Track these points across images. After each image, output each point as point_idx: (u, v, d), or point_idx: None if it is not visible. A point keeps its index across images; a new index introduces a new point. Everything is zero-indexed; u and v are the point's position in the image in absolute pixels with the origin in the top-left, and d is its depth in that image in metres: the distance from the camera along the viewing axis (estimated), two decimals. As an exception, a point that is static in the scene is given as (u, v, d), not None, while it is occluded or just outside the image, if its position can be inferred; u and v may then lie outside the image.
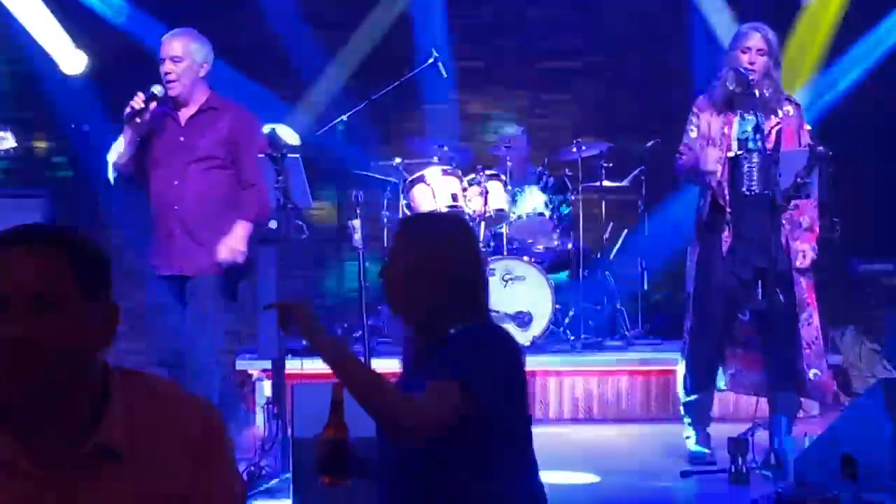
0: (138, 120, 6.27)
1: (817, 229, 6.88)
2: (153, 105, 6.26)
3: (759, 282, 6.60)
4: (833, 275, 9.90)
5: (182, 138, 6.43)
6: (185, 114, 6.47)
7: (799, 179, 6.51)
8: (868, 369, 9.51)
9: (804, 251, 6.77)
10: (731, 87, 6.69)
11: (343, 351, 3.19)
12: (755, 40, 6.73)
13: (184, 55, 6.40)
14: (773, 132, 6.72)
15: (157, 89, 6.27)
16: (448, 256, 3.34)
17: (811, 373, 6.80)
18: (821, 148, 6.62)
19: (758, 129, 6.63)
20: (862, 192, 10.10)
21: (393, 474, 3.28)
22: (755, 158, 6.60)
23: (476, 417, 3.11)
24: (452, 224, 3.53)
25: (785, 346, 6.71)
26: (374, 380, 3.15)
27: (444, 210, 8.61)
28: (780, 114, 6.76)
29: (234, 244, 6.34)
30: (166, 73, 6.37)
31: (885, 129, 10.26)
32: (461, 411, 3.10)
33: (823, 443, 6.23)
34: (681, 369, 7.03)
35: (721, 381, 7.01)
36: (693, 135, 6.82)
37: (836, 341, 9.64)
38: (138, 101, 6.22)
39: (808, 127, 7.05)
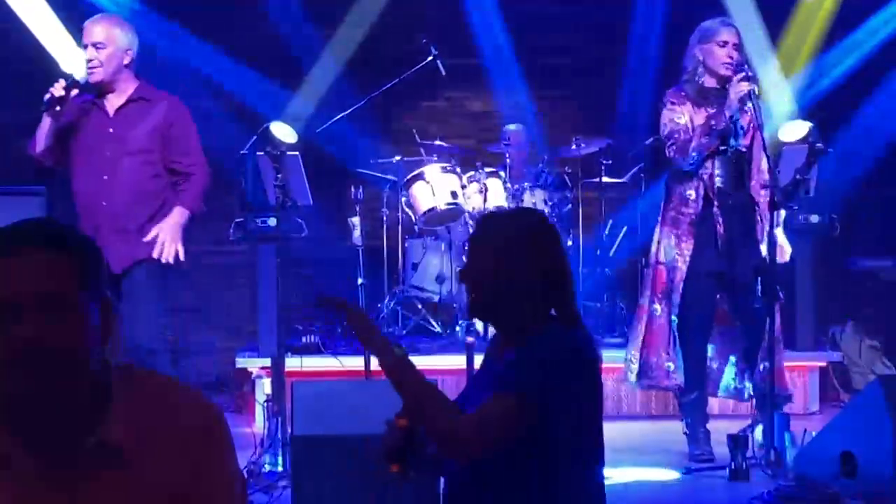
0: (58, 108, 6.01)
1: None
2: (74, 93, 6.01)
3: (758, 279, 6.60)
4: (832, 271, 9.90)
5: (111, 129, 6.16)
6: (113, 104, 6.20)
7: (798, 176, 6.52)
8: (868, 366, 9.51)
9: (782, 245, 6.78)
10: (704, 83, 6.69)
11: (397, 356, 3.13)
12: (731, 35, 6.73)
13: (106, 41, 6.11)
14: (750, 128, 6.74)
15: (78, 75, 6.04)
16: (529, 253, 3.22)
17: (761, 365, 6.78)
18: (819, 144, 6.63)
19: (735, 123, 6.65)
20: (860, 187, 10.09)
21: (459, 479, 3.23)
22: (731, 155, 6.65)
23: (538, 429, 3.04)
24: (531, 219, 3.37)
25: (759, 341, 6.72)
26: (428, 390, 3.10)
27: (445, 207, 8.61)
28: (748, 111, 6.70)
29: (168, 227, 6.11)
30: (88, 60, 6.10)
31: (880, 122, 10.24)
32: (519, 424, 3.03)
33: (823, 439, 6.23)
34: (632, 362, 6.96)
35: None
36: (682, 120, 6.73)
37: (836, 338, 9.64)
38: (58, 89, 5.95)
39: (810, 123, 7.06)
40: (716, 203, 6.70)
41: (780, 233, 6.72)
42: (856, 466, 5.86)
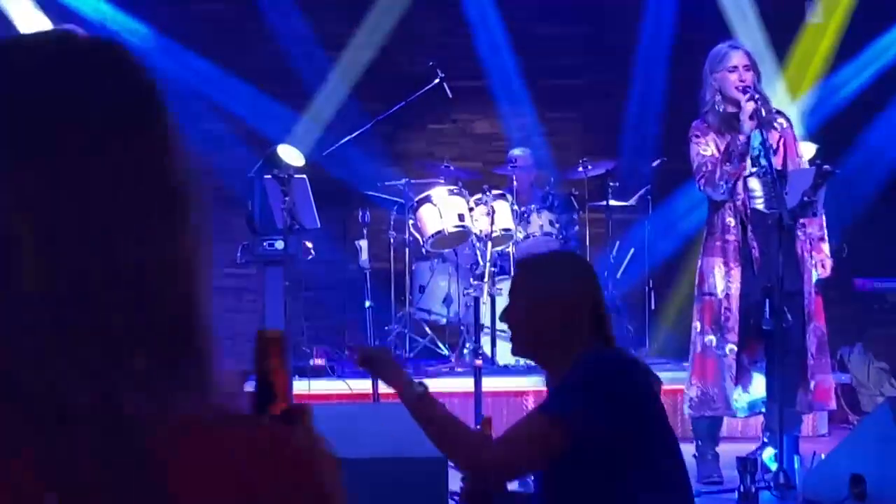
0: None
1: (827, 237, 6.92)
2: None
3: (766, 301, 6.59)
4: (839, 293, 9.88)
5: None
6: None
7: (805, 198, 6.51)
8: (876, 388, 9.49)
9: (822, 260, 6.79)
10: (725, 109, 6.70)
11: (418, 393, 3.22)
12: (739, 58, 6.73)
13: None
14: (781, 146, 6.75)
15: None
16: (567, 296, 3.31)
17: (812, 384, 6.78)
18: (827, 166, 6.62)
19: (764, 144, 6.64)
20: (867, 208, 10.09)
21: None
22: (765, 176, 6.64)
23: (594, 452, 3.08)
24: (568, 262, 3.59)
25: (788, 363, 6.69)
26: (452, 423, 3.19)
27: (453, 230, 8.60)
28: (777, 127, 6.76)
29: None
30: None
31: (888, 143, 10.25)
32: (551, 445, 3.08)
33: (832, 462, 6.21)
34: (690, 391, 6.98)
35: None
36: (707, 151, 6.75)
37: (845, 360, 9.62)
38: None
39: (815, 146, 7.07)
40: (749, 227, 6.71)
41: (825, 248, 6.78)
42: (865, 489, 5.84)
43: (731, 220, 6.77)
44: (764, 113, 6.61)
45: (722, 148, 6.72)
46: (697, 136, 6.80)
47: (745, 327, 6.82)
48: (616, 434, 3.11)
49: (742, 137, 6.59)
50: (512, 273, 3.62)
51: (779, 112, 6.92)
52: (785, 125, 6.87)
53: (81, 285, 1.04)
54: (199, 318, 1.10)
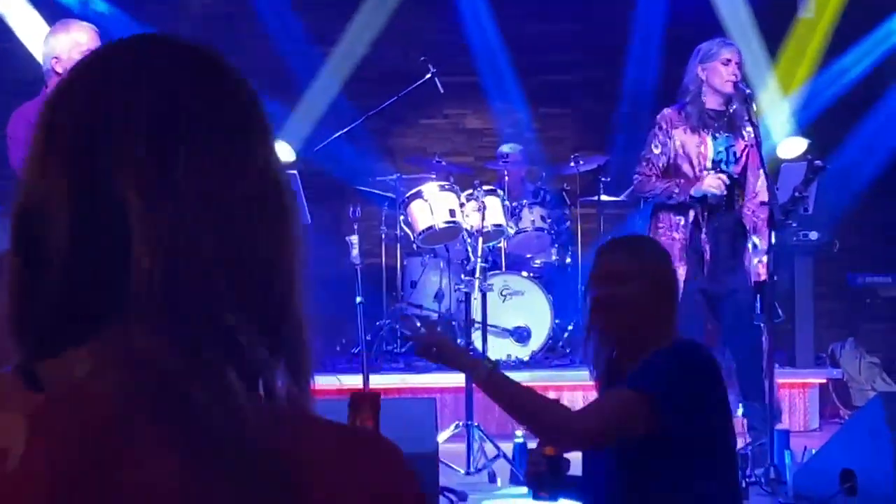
0: None
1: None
2: None
3: (758, 296, 6.59)
4: (831, 288, 9.91)
5: None
6: None
7: (797, 193, 6.51)
8: (868, 383, 9.51)
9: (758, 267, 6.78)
10: (709, 106, 6.69)
11: (489, 370, 3.23)
12: (733, 54, 6.72)
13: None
14: (743, 155, 6.73)
15: None
16: (667, 279, 3.41)
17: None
18: (818, 162, 6.62)
19: (729, 149, 6.66)
20: (859, 203, 10.09)
21: (602, 493, 3.29)
22: (726, 180, 6.63)
23: (666, 437, 3.11)
24: (659, 248, 3.67)
25: (755, 359, 6.71)
26: (529, 393, 3.21)
27: (444, 225, 8.60)
28: (746, 136, 6.71)
29: None
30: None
31: (878, 138, 10.25)
32: (637, 420, 3.10)
33: (823, 457, 6.21)
34: None
35: None
36: (656, 151, 6.75)
37: (836, 355, 9.63)
38: None
39: (808, 141, 7.07)
40: (704, 229, 6.70)
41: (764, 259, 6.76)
42: (856, 484, 5.84)
43: (680, 219, 6.75)
44: (731, 110, 6.63)
45: (688, 146, 6.69)
46: (661, 128, 6.76)
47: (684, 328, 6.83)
48: (693, 424, 3.17)
49: (691, 192, 6.61)
50: (595, 258, 3.53)
51: (749, 121, 6.83)
52: (752, 135, 6.74)
53: (193, 263, 1.07)
54: (300, 313, 1.15)
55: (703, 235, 6.69)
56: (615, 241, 4.16)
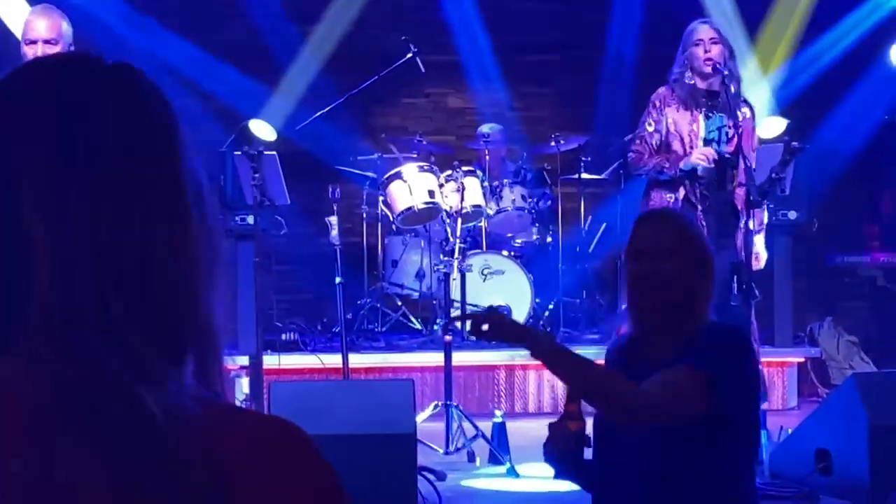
0: None
1: (763, 232, 6.95)
2: None
3: (735, 277, 6.62)
4: (810, 268, 9.95)
5: None
6: None
7: (774, 174, 6.54)
8: (846, 361, 9.56)
9: (756, 253, 6.80)
10: (690, 83, 6.72)
11: (551, 344, 3.15)
12: (705, 32, 6.76)
13: (57, 36, 5.63)
14: (735, 136, 6.76)
15: None
16: (710, 256, 3.32)
17: None
18: (795, 143, 6.65)
19: (721, 129, 6.69)
20: (838, 183, 10.13)
21: (632, 474, 3.22)
22: (712, 153, 6.67)
23: (716, 418, 3.09)
24: (696, 222, 3.59)
25: None
26: (592, 368, 3.14)
27: (423, 206, 8.63)
28: (740, 116, 6.76)
29: None
30: None
31: (858, 118, 10.28)
32: (700, 400, 3.06)
33: (799, 437, 6.26)
34: None
35: None
36: (650, 129, 6.81)
37: (815, 334, 9.68)
38: None
39: (786, 121, 7.08)
40: (700, 207, 6.73)
41: (759, 240, 6.78)
42: (831, 464, 5.89)
43: (671, 197, 6.78)
44: (732, 90, 6.65)
45: (679, 122, 6.75)
46: (654, 106, 6.84)
47: None
48: (743, 406, 3.17)
49: (681, 166, 6.65)
50: (634, 229, 3.41)
51: (745, 101, 6.93)
52: (748, 115, 6.84)
53: (90, 279, 1.12)
54: (205, 316, 1.21)
55: (700, 213, 6.72)
56: (656, 213, 4.08)
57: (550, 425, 3.23)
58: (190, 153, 1.22)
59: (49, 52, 5.45)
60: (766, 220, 7.01)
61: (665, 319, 3.24)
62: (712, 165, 6.65)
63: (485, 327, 3.21)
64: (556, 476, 3.33)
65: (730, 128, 6.73)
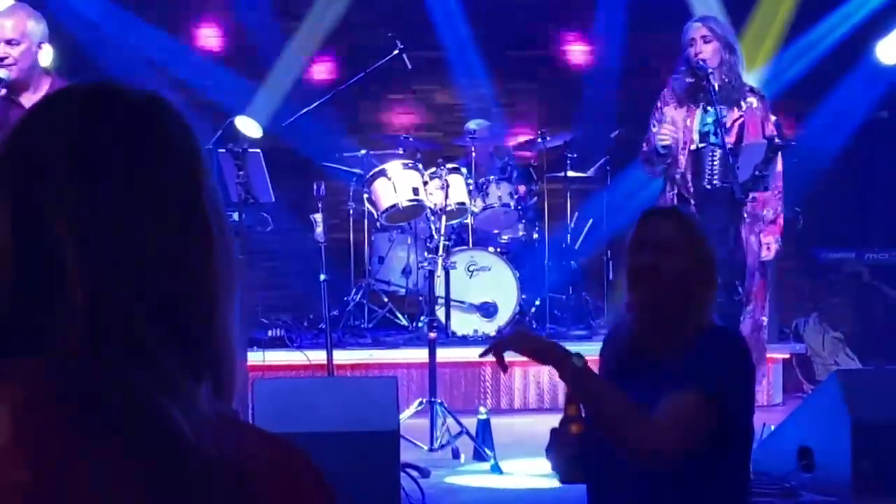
0: None
1: (781, 221, 6.92)
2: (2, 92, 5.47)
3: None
4: (796, 263, 9.97)
5: None
6: (29, 101, 5.55)
7: (757, 172, 6.54)
8: (831, 357, 9.59)
9: (769, 244, 6.81)
10: (688, 80, 6.74)
11: (578, 367, 3.05)
12: (695, 31, 6.78)
13: (21, 37, 5.46)
14: (735, 125, 6.76)
15: (2, 73, 5.43)
16: (713, 256, 3.27)
17: None
18: (778, 140, 6.65)
19: (718, 121, 6.67)
20: (824, 180, 10.15)
21: (634, 476, 3.19)
22: (716, 152, 6.65)
23: (721, 428, 3.07)
24: (697, 219, 3.52)
25: None
26: (615, 399, 3.05)
27: (407, 204, 8.64)
28: (744, 106, 6.78)
29: None
30: (2, 58, 5.44)
31: (843, 114, 10.30)
32: (707, 424, 3.04)
33: (781, 434, 6.28)
34: None
35: None
36: (654, 129, 6.85)
37: (800, 330, 9.71)
38: None
39: (774, 118, 7.06)
40: (693, 204, 6.73)
41: (771, 231, 6.81)
42: (813, 460, 5.91)
43: (670, 195, 6.82)
44: (719, 87, 6.66)
45: (677, 119, 6.78)
46: (657, 108, 6.89)
47: None
48: (740, 409, 3.15)
49: (651, 144, 6.70)
50: (639, 222, 3.33)
51: (752, 91, 6.91)
52: (755, 105, 6.82)
53: (119, 298, 1.19)
54: (222, 334, 1.27)
55: (692, 208, 6.72)
56: (662, 209, 4.03)
57: (552, 431, 3.19)
58: (212, 178, 1.30)
59: (11, 53, 5.43)
60: (781, 210, 6.98)
61: (664, 314, 3.22)
62: (670, 143, 6.65)
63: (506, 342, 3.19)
64: (563, 481, 3.27)
65: (731, 121, 6.74)
